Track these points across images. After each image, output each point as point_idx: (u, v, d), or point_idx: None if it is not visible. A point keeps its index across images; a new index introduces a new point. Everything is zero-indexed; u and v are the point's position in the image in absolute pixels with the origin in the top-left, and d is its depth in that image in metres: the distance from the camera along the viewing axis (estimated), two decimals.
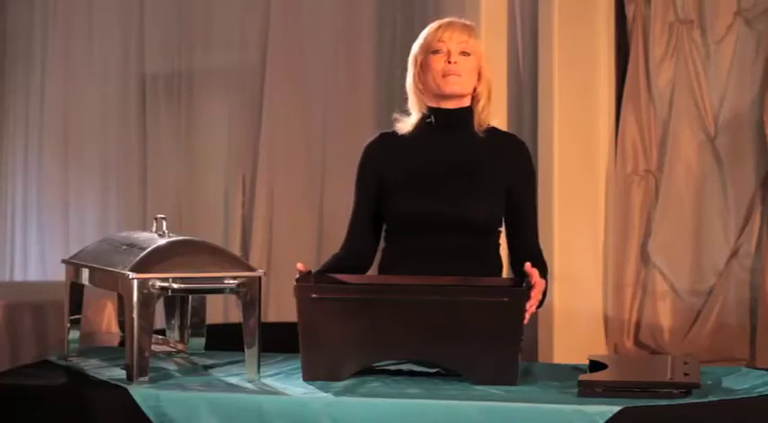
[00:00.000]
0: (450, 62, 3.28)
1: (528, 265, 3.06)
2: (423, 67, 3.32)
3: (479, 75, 3.33)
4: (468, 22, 3.38)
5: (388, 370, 2.97)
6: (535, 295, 3.04)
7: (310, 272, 3.08)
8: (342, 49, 6.84)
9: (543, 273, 3.24)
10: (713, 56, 5.78)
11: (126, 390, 2.74)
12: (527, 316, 2.96)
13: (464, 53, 3.30)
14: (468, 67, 3.30)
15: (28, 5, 7.40)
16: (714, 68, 5.78)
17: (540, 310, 5.93)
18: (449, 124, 3.33)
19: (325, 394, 2.71)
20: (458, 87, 3.30)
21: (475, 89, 3.33)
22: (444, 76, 3.29)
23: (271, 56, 6.93)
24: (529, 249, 3.34)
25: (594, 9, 5.90)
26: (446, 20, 3.36)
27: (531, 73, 5.97)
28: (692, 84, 5.79)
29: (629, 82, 5.90)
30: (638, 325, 5.87)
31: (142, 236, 3.02)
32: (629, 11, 5.92)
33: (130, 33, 7.22)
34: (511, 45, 6.02)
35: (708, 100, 5.78)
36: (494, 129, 3.38)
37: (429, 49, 3.31)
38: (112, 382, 2.84)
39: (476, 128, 3.34)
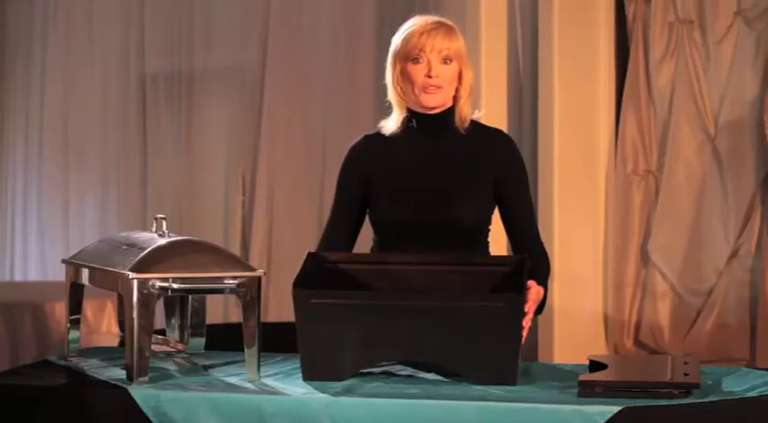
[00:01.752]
0: (430, 76, 3.24)
1: (532, 283, 3.04)
2: (402, 74, 3.27)
3: (460, 76, 3.30)
4: (449, 24, 3.30)
5: (389, 370, 2.97)
6: (529, 307, 3.03)
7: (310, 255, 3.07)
8: (342, 49, 6.84)
9: (545, 268, 3.25)
10: (713, 56, 5.78)
11: (126, 390, 2.74)
12: (526, 324, 2.96)
13: (445, 61, 3.25)
14: (448, 75, 3.25)
15: (28, 5, 7.40)
16: (714, 68, 5.78)
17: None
18: (431, 126, 3.31)
19: (325, 394, 2.71)
20: (438, 100, 3.27)
21: (457, 90, 3.31)
22: (425, 90, 3.25)
23: (271, 56, 6.93)
24: (529, 243, 3.32)
25: (594, 9, 5.90)
26: (428, 22, 3.28)
27: (531, 73, 5.97)
28: (692, 84, 5.79)
29: (629, 82, 5.90)
30: (638, 325, 5.87)
31: (142, 236, 3.02)
32: (629, 11, 5.92)
33: (130, 33, 7.22)
34: (511, 45, 6.02)
35: (708, 100, 5.78)
36: (477, 124, 3.35)
37: (409, 57, 3.25)
38: (112, 382, 2.84)
39: (457, 124, 3.32)
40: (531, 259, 3.11)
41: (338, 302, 2.88)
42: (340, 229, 3.37)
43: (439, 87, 3.25)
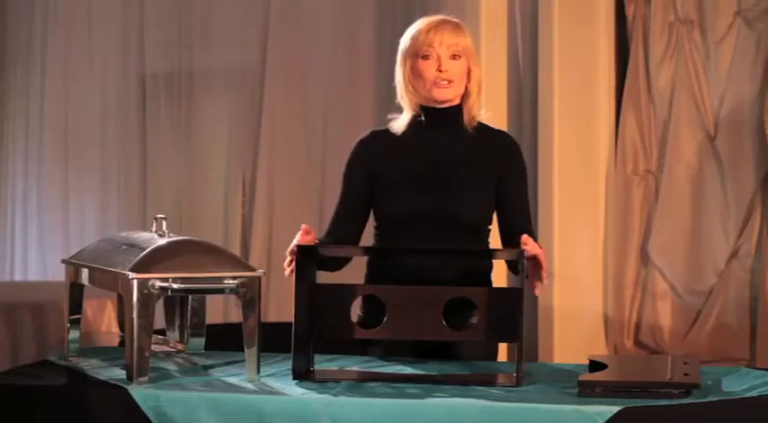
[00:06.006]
0: (441, 70, 3.27)
1: (524, 236, 3.05)
2: (413, 71, 3.31)
3: (469, 72, 3.32)
4: (456, 21, 3.34)
5: (388, 371, 2.98)
6: (542, 260, 3.05)
7: (314, 247, 3.09)
8: (342, 49, 6.84)
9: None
10: (713, 56, 5.78)
11: (126, 390, 2.74)
12: (539, 286, 3.04)
13: (454, 57, 3.28)
14: (458, 70, 3.29)
15: (28, 5, 7.40)
16: (714, 68, 5.78)
17: (540, 310, 5.94)
18: (440, 122, 3.33)
19: (324, 394, 2.71)
20: (449, 94, 3.30)
21: (465, 87, 3.33)
22: (436, 84, 3.28)
23: (271, 55, 6.93)
24: (520, 232, 3.30)
25: (594, 9, 5.90)
26: (435, 19, 3.32)
27: (531, 73, 5.97)
28: (692, 84, 5.79)
29: (629, 82, 5.90)
30: (638, 325, 5.87)
31: (142, 236, 3.02)
32: (629, 11, 5.92)
33: (130, 32, 7.22)
34: (511, 45, 6.02)
35: (708, 100, 5.78)
36: (484, 125, 3.38)
37: (419, 54, 3.28)
38: (112, 382, 2.84)
39: (465, 123, 3.34)
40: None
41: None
42: (345, 224, 3.37)
43: (450, 81, 3.28)
